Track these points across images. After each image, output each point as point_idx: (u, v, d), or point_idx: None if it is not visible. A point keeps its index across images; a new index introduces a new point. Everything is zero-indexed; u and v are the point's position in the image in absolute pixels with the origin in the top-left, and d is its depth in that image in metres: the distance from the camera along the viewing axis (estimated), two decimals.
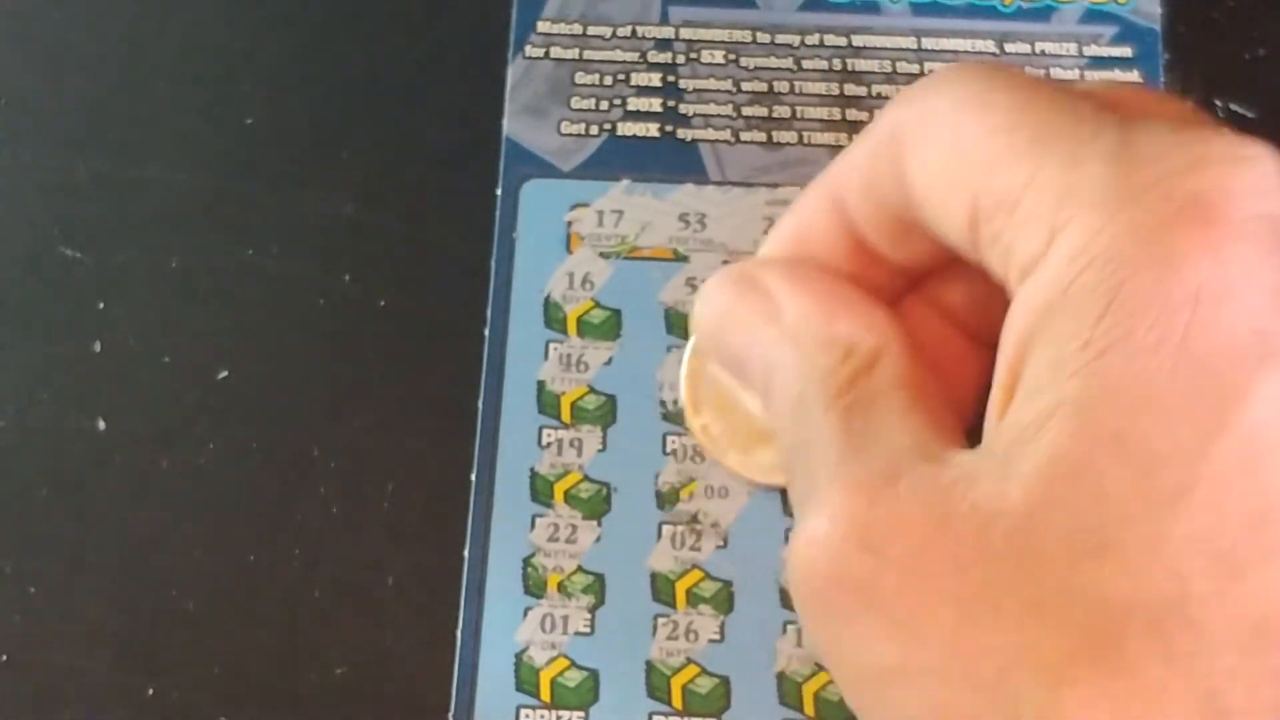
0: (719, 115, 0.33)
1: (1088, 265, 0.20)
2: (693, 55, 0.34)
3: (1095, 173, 0.20)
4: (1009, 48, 0.33)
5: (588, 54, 0.34)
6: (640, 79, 0.34)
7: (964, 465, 0.21)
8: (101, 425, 0.32)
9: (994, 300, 0.23)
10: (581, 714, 0.29)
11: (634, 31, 0.34)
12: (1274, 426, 0.19)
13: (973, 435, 0.23)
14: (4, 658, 0.31)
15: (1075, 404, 0.19)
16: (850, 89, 0.33)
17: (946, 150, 0.23)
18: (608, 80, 0.34)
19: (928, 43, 0.34)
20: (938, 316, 0.27)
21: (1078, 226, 0.20)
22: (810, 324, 0.25)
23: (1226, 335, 0.19)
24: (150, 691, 0.30)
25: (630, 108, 0.33)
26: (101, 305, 0.33)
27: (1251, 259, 0.19)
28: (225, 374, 0.32)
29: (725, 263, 0.32)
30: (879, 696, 0.21)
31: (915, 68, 0.33)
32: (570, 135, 0.33)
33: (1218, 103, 0.33)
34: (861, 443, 0.22)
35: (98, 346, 0.33)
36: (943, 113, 0.23)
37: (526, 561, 0.30)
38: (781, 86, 0.33)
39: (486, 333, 0.32)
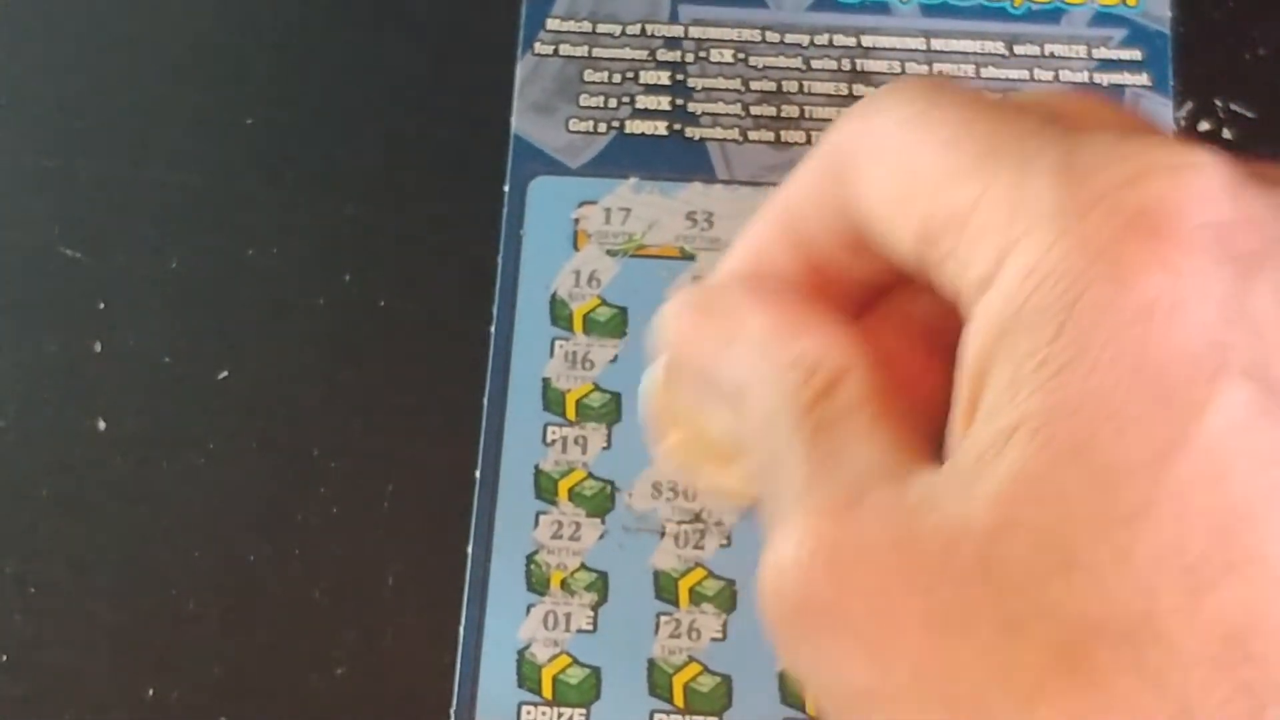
0: (727, 114, 0.37)
1: (1040, 283, 0.22)
2: (702, 54, 0.37)
3: (1043, 188, 0.22)
4: (1018, 49, 0.37)
5: (597, 52, 0.38)
6: (649, 77, 0.37)
7: (927, 485, 0.23)
8: (101, 425, 0.35)
9: (954, 312, 0.25)
10: (583, 712, 0.32)
11: (643, 30, 0.38)
12: (1232, 437, 0.20)
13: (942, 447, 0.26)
14: (4, 658, 0.34)
15: (1035, 422, 0.21)
16: (859, 89, 0.37)
17: (893, 169, 0.25)
18: (616, 78, 0.37)
19: (937, 44, 0.37)
20: (899, 331, 0.29)
21: (1028, 244, 0.22)
22: (774, 343, 0.26)
23: (1181, 348, 0.20)
24: (150, 691, 0.33)
25: (639, 106, 0.37)
26: (101, 305, 0.36)
27: (1202, 269, 0.21)
28: (225, 374, 0.36)
29: None
30: (854, 715, 0.23)
31: (924, 69, 0.37)
32: (578, 133, 0.37)
33: (1218, 103, 0.37)
34: (828, 463, 0.24)
35: (98, 346, 0.36)
36: (888, 131, 0.25)
37: (530, 559, 0.33)
38: (790, 86, 0.37)
39: (492, 329, 0.35)
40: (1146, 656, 0.20)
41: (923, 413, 0.27)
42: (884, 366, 0.26)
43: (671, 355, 0.30)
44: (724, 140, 0.37)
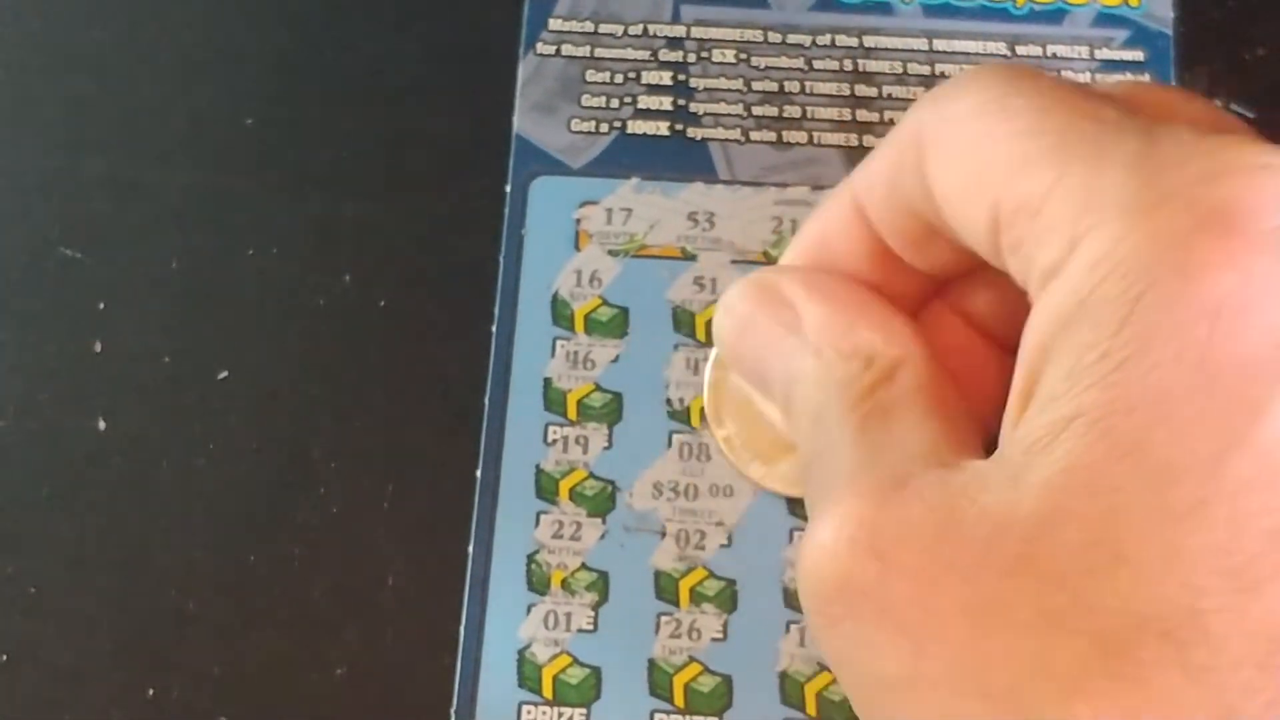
0: (729, 114, 0.38)
1: (1108, 274, 0.22)
2: (704, 54, 0.38)
3: (1118, 179, 0.22)
4: (1020, 50, 0.38)
5: (599, 51, 0.39)
6: (651, 77, 0.38)
7: (974, 471, 0.23)
8: (101, 425, 0.36)
9: (1018, 305, 0.25)
10: (583, 711, 0.33)
11: (645, 30, 0.39)
12: None
13: (995, 443, 0.26)
14: (4, 658, 0.35)
15: (1092, 415, 0.21)
16: (861, 90, 0.38)
17: (968, 155, 0.25)
18: (618, 78, 0.38)
19: (939, 44, 0.38)
20: (961, 322, 0.30)
21: (1099, 235, 0.22)
22: (830, 334, 0.27)
23: (1246, 349, 0.21)
24: (150, 691, 0.34)
25: (640, 106, 0.38)
26: (101, 305, 0.37)
27: (1273, 272, 0.21)
28: (225, 374, 0.37)
29: (734, 262, 0.36)
30: (887, 706, 0.23)
31: (926, 69, 0.38)
32: (580, 133, 0.38)
33: (1218, 103, 0.37)
34: (876, 450, 0.25)
35: (98, 346, 0.37)
36: (965, 117, 0.25)
37: (530, 558, 0.34)
38: (792, 86, 0.38)
39: (493, 329, 0.36)
40: (1191, 655, 0.20)
41: (978, 408, 0.28)
42: (940, 360, 0.27)
43: (728, 344, 0.30)
44: (726, 140, 0.38)
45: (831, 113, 0.38)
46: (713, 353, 0.35)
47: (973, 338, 0.30)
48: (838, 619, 0.24)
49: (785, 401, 0.28)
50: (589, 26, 0.39)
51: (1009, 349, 0.29)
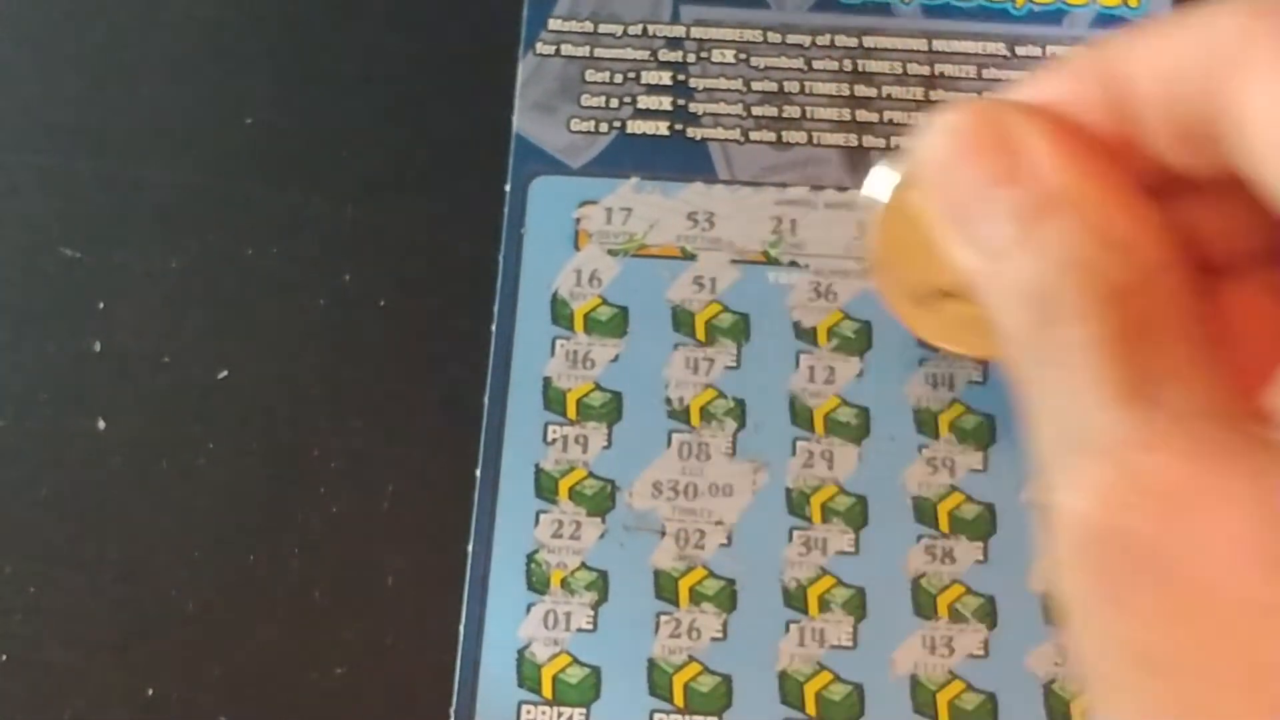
0: (729, 114, 0.38)
1: None
2: (703, 54, 0.39)
3: None
4: (1020, 50, 0.38)
5: (598, 52, 0.39)
6: (651, 77, 0.39)
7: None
8: (101, 425, 0.36)
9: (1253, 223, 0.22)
10: (583, 711, 0.33)
11: (645, 30, 0.39)
12: None
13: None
14: (4, 658, 0.35)
15: None
16: (860, 90, 0.38)
17: None
18: (618, 78, 0.39)
19: (939, 45, 0.38)
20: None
21: None
22: (1077, 204, 0.22)
23: None
24: (150, 691, 0.34)
25: (640, 106, 0.38)
26: (101, 305, 0.38)
27: None
28: (225, 374, 0.37)
29: (733, 262, 0.36)
30: (1141, 689, 0.21)
31: (926, 69, 0.38)
32: (580, 132, 0.38)
33: None
34: (1144, 384, 0.21)
35: (98, 346, 0.37)
36: None
37: (530, 558, 0.35)
38: (792, 86, 0.38)
39: (493, 329, 0.36)
40: None
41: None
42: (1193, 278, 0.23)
43: (927, 174, 0.25)
44: (725, 140, 0.38)
45: (831, 113, 0.38)
46: (881, 171, 0.29)
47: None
48: (1108, 581, 0.21)
49: (992, 262, 0.24)
50: (589, 26, 0.39)
51: (1228, 275, 0.25)
